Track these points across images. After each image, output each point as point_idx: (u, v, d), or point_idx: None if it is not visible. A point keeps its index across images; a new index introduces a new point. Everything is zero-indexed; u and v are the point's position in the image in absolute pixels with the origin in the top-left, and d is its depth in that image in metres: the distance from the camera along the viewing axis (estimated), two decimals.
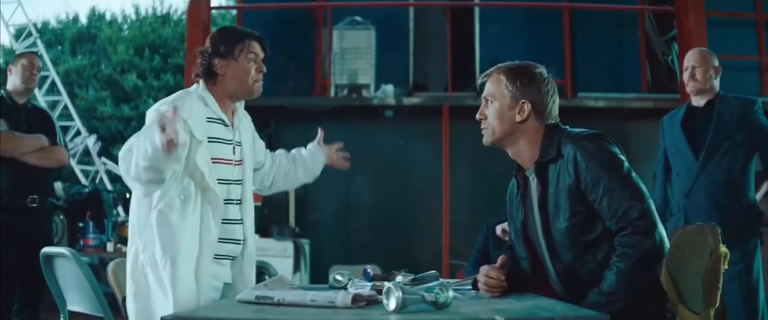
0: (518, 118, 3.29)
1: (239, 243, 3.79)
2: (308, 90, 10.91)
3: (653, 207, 3.14)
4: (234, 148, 3.78)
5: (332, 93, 10.51)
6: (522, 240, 3.40)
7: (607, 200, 3.09)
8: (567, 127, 3.32)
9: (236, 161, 3.79)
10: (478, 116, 3.36)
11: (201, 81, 3.75)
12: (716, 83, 5.57)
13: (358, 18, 10.73)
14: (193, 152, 3.53)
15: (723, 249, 3.17)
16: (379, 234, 10.32)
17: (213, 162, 3.63)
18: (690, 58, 5.61)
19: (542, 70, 3.38)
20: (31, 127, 6.00)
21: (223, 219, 3.67)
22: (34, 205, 5.90)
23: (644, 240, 3.05)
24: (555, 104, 3.36)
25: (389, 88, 10.40)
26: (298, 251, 9.38)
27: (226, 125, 3.75)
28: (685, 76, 5.58)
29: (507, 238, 5.97)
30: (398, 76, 10.82)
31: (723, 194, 5.42)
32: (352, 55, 10.48)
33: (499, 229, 6.41)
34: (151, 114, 3.63)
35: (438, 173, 10.00)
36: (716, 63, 5.59)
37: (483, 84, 3.41)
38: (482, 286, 3.29)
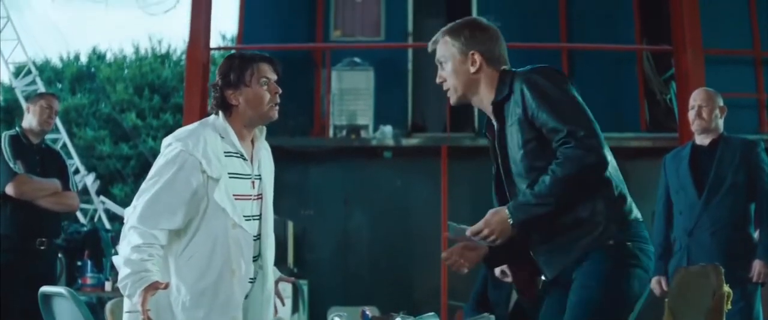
0: (472, 70, 3.40)
1: (252, 282, 3.67)
2: (307, 130, 10.94)
3: (599, 130, 3.19)
4: (253, 182, 3.66)
5: (331, 134, 10.53)
6: (495, 189, 3.51)
7: (552, 122, 3.15)
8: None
9: (256, 195, 3.66)
10: (438, 81, 3.47)
11: (220, 113, 3.62)
12: (721, 123, 5.59)
13: (357, 59, 10.78)
14: (210, 191, 3.47)
15: (726, 288, 3.16)
16: (377, 274, 10.29)
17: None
18: (696, 97, 5.63)
19: (482, 20, 3.49)
20: (45, 168, 6.02)
21: None
22: (43, 247, 5.90)
23: (587, 155, 3.10)
24: (503, 49, 3.47)
25: (388, 129, 10.42)
26: (296, 292, 9.33)
27: (245, 159, 3.63)
28: (691, 114, 5.60)
29: (506, 280, 5.95)
30: (397, 117, 10.85)
31: (726, 232, 5.42)
32: (351, 96, 10.52)
33: (497, 270, 6.37)
34: (167, 150, 3.52)
35: (436, 214, 9.98)
36: (721, 103, 5.61)
37: (434, 51, 3.48)
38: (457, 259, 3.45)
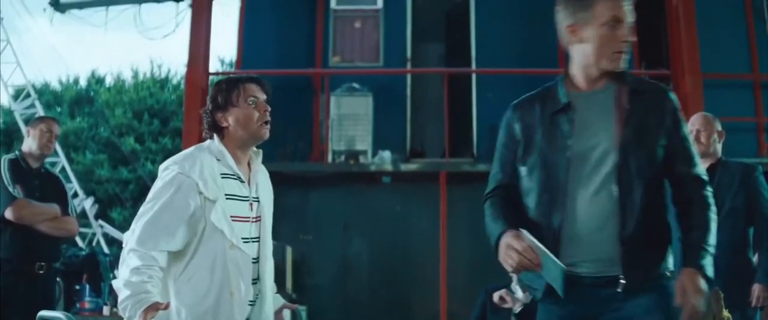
0: None
1: (252, 304, 3.63)
2: (306, 156, 10.95)
3: None
4: (251, 204, 3.65)
5: (330, 159, 10.54)
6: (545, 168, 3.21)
7: (691, 155, 3.26)
8: None
9: (254, 217, 3.65)
10: (627, 44, 3.23)
11: (216, 136, 3.64)
12: (719, 147, 5.60)
13: (356, 85, 10.80)
14: (208, 213, 3.47)
15: (726, 313, 3.15)
16: (376, 299, 10.27)
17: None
18: (694, 122, 5.64)
19: None
20: (44, 193, 6.01)
21: None
22: (42, 271, 5.89)
23: None
24: None
25: (386, 154, 10.43)
26: (294, 317, 9.29)
27: (242, 181, 3.63)
28: None
29: (505, 305, 5.94)
30: (395, 142, 10.85)
31: (725, 257, 5.38)
32: (350, 122, 10.53)
33: (496, 296, 6.39)
34: (164, 173, 3.54)
35: (435, 239, 9.98)
36: (719, 127, 5.62)
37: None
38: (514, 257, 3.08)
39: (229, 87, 3.65)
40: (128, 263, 3.38)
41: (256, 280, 3.65)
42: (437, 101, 11.19)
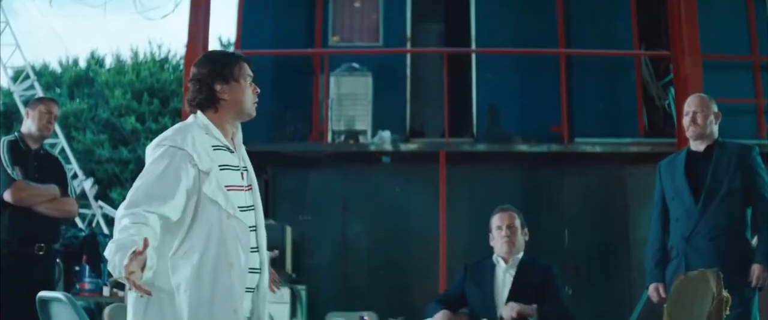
0: None
1: (258, 272, 3.68)
2: (305, 136, 10.93)
3: None
4: (242, 173, 3.67)
5: (329, 139, 10.53)
6: None
7: None
8: None
9: (247, 186, 3.68)
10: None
11: (198, 112, 3.64)
12: (716, 128, 5.58)
13: (356, 65, 10.78)
14: (201, 185, 3.47)
15: (725, 293, 3.16)
16: (376, 279, 10.28)
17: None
18: (691, 103, 5.63)
19: None
20: (44, 174, 6.01)
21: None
22: (41, 252, 5.90)
23: None
24: None
25: (386, 134, 10.42)
26: (294, 297, 9.32)
27: (232, 152, 3.66)
28: (686, 120, 5.60)
29: None
30: (395, 122, 10.84)
31: (724, 238, 5.40)
32: (350, 102, 10.52)
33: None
34: (154, 150, 3.53)
35: (435, 219, 9.98)
36: (716, 109, 5.61)
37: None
38: None
39: (231, 61, 3.69)
40: (118, 226, 3.35)
41: (254, 249, 3.66)
42: (437, 81, 11.17)
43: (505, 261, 5.87)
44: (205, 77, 3.64)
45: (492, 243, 5.95)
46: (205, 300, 3.43)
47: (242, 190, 3.65)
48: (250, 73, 3.72)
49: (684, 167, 5.61)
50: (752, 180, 5.44)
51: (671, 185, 5.68)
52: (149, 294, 3.23)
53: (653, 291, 5.59)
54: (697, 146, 5.62)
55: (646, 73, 11.26)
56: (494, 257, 5.95)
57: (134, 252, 3.15)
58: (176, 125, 3.66)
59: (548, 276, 5.84)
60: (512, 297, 5.69)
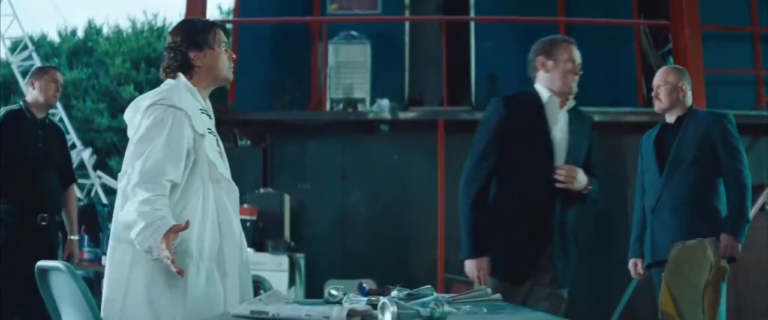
0: None
1: None
2: (304, 104, 10.93)
3: None
4: (217, 140, 3.70)
5: (328, 107, 10.52)
6: None
7: None
8: None
9: (222, 152, 3.72)
10: None
11: (180, 74, 3.63)
12: (687, 99, 5.51)
13: (354, 33, 10.75)
14: (198, 146, 3.48)
15: (723, 263, 3.17)
16: (374, 248, 10.30)
17: None
18: (655, 79, 5.60)
19: None
20: (48, 144, 6.06)
21: None
22: (44, 223, 5.92)
23: None
24: None
25: (385, 102, 10.40)
26: (293, 265, 9.34)
27: (210, 117, 3.68)
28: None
29: None
30: (394, 90, 10.83)
31: (686, 209, 5.32)
32: (348, 70, 10.50)
33: None
34: (151, 110, 3.46)
35: (433, 187, 9.99)
36: (684, 80, 5.53)
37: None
38: None
39: (205, 29, 3.70)
40: (136, 198, 3.30)
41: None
42: (436, 49, 11.14)
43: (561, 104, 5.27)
44: (179, 45, 3.65)
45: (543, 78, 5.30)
46: (215, 240, 3.49)
47: (222, 155, 3.68)
48: (225, 39, 3.73)
49: (654, 139, 5.60)
50: (724, 150, 5.33)
51: (644, 157, 5.67)
52: (182, 273, 3.23)
53: (631, 266, 5.60)
54: (670, 117, 5.56)
55: (646, 43, 11.24)
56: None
57: (168, 233, 3.17)
58: (165, 85, 3.64)
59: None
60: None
